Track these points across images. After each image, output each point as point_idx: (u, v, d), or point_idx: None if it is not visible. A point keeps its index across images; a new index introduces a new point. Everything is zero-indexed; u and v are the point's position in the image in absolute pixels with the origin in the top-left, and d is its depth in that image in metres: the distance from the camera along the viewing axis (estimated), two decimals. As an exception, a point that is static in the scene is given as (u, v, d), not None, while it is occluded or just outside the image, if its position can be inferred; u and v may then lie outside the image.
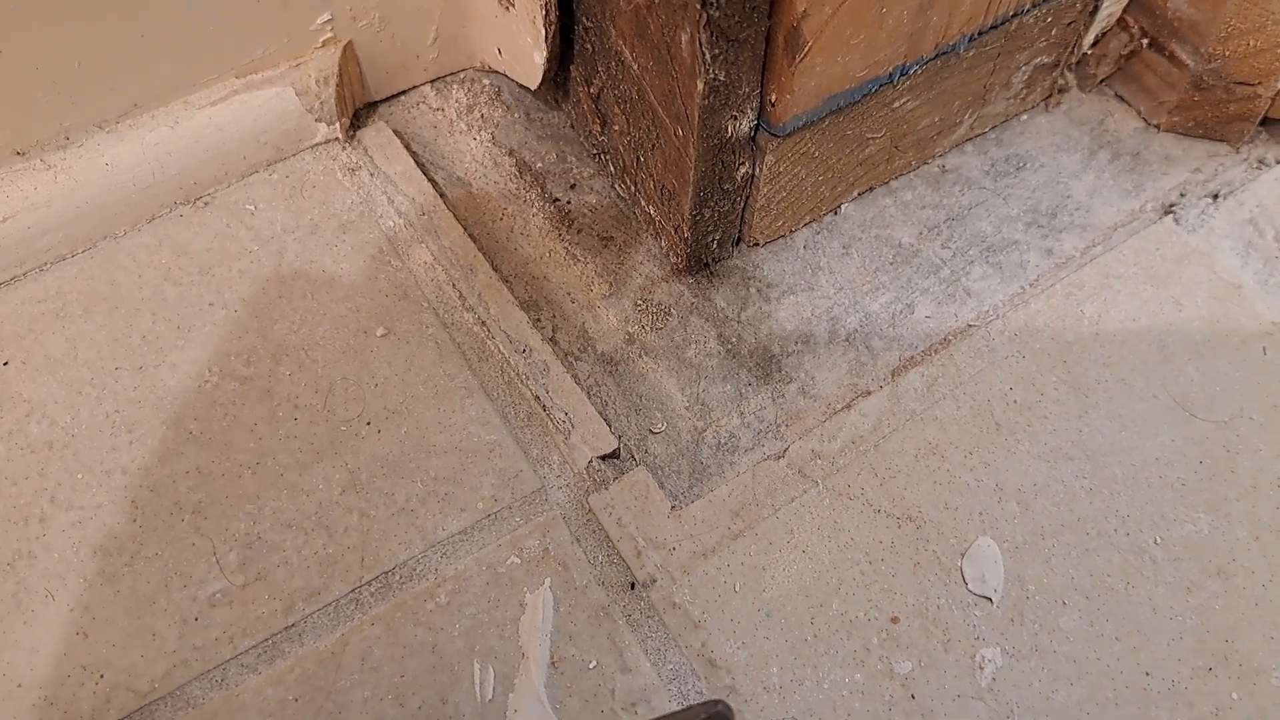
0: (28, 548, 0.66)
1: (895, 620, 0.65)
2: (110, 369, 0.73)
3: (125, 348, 0.74)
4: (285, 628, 0.64)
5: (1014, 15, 0.73)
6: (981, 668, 0.63)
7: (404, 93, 0.88)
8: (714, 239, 0.76)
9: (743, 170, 0.71)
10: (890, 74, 0.70)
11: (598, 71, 0.75)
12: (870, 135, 0.75)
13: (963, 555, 0.67)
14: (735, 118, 0.66)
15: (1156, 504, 0.68)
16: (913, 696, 0.62)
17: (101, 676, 0.62)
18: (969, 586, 0.66)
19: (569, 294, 0.78)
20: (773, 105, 0.67)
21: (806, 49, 0.63)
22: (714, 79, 0.62)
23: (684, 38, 0.61)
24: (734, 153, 0.69)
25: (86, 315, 0.75)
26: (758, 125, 0.69)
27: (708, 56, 0.61)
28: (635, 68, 0.69)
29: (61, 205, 0.75)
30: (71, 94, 0.73)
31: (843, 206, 0.81)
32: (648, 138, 0.72)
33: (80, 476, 0.69)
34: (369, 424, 0.71)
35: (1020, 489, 0.69)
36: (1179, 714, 0.62)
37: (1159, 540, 0.67)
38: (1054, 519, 0.68)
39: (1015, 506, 0.68)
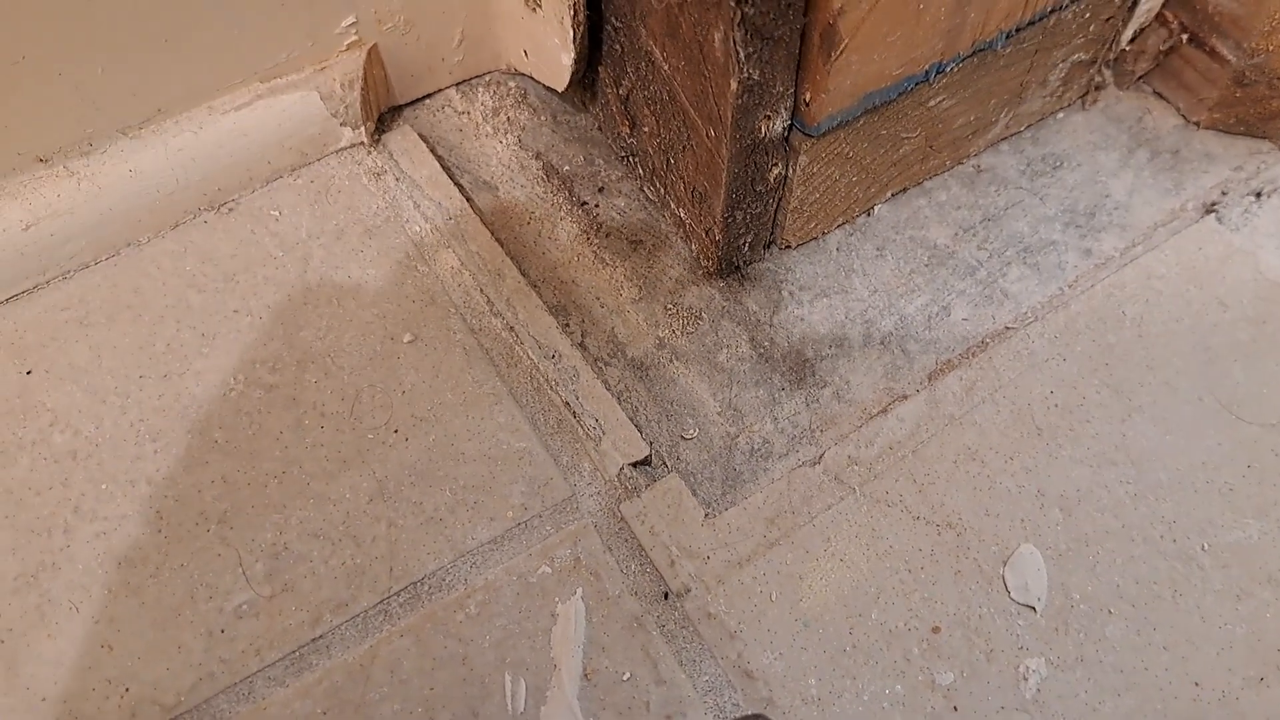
0: (51, 559, 0.65)
1: (936, 630, 0.63)
2: (135, 377, 0.72)
3: (149, 356, 0.73)
4: (313, 639, 0.63)
5: (1052, 11, 0.71)
6: (1026, 678, 0.61)
7: (429, 96, 0.87)
8: (746, 241, 0.75)
9: (775, 171, 0.70)
10: (926, 72, 0.69)
11: (627, 72, 0.73)
12: (905, 135, 0.74)
13: (1005, 563, 0.65)
14: (769, 118, 0.65)
15: (1204, 510, 0.66)
16: (955, 708, 0.61)
17: (126, 690, 0.61)
18: (1012, 595, 0.64)
19: (598, 298, 0.77)
20: (807, 105, 0.66)
21: (843, 47, 0.62)
22: (748, 78, 0.61)
23: (717, 36, 0.60)
24: (767, 153, 0.68)
25: (110, 323, 0.74)
26: (791, 125, 0.67)
27: (741, 55, 0.59)
28: (666, 68, 0.67)
29: (85, 212, 0.74)
30: (95, 100, 0.72)
31: (876, 208, 0.80)
32: (678, 139, 0.71)
33: (104, 486, 0.68)
34: (396, 432, 0.70)
35: (1063, 495, 0.67)
36: (1231, 726, 0.60)
37: (1207, 547, 0.65)
38: (1098, 525, 0.66)
39: (1058, 513, 0.66)
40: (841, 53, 0.62)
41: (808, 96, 0.65)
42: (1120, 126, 0.84)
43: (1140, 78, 0.85)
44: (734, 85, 0.61)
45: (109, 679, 0.62)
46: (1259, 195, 0.79)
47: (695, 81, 0.65)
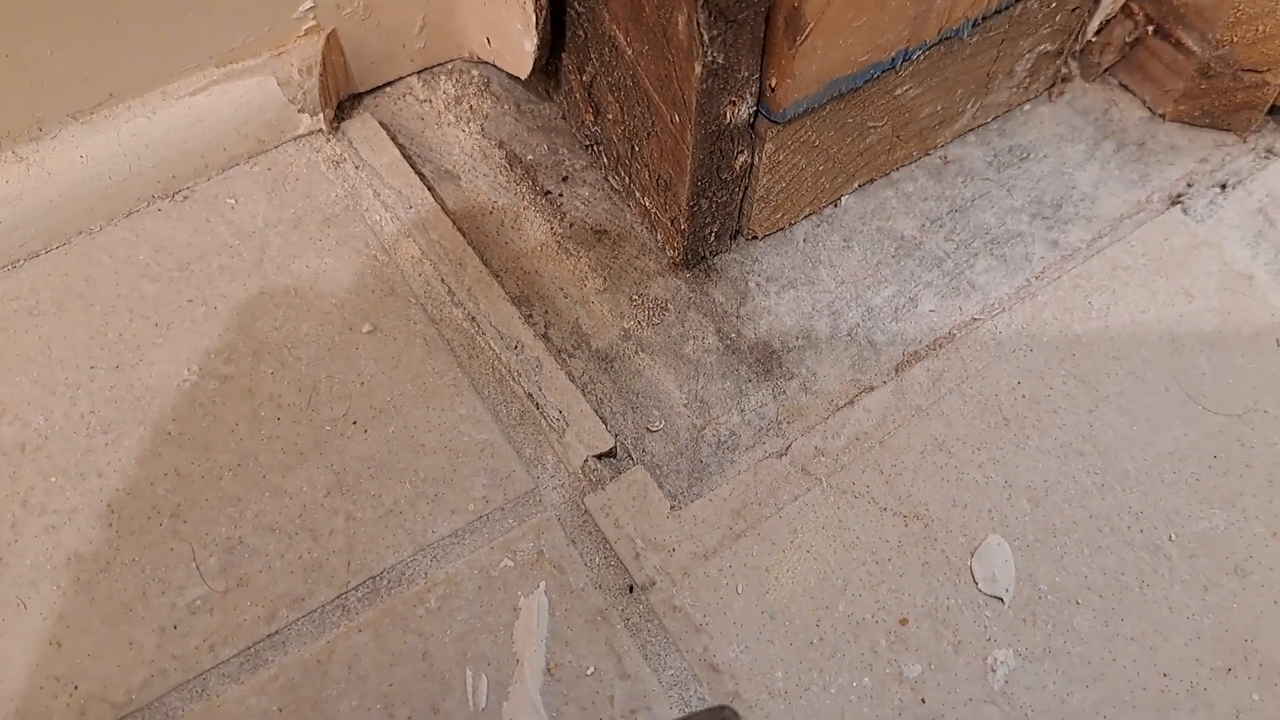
0: (-2, 554, 0.64)
1: (904, 622, 0.62)
2: (85, 368, 0.70)
3: (101, 346, 0.71)
4: (268, 635, 0.61)
5: (1018, 0, 0.71)
6: (994, 670, 0.61)
7: (390, 84, 0.85)
8: (711, 231, 0.74)
9: (741, 159, 0.69)
10: (893, 59, 0.68)
11: (590, 59, 0.72)
12: (872, 124, 0.73)
13: (972, 554, 0.64)
14: (734, 103, 0.64)
15: (1170, 500, 0.66)
16: (923, 700, 0.60)
17: (76, 688, 0.60)
18: (979, 586, 0.63)
19: (562, 289, 0.75)
20: (772, 90, 0.65)
21: (808, 31, 0.61)
22: (712, 62, 0.60)
23: (680, 19, 0.59)
24: (732, 140, 0.67)
25: (61, 313, 0.72)
26: (757, 111, 0.66)
27: (705, 38, 0.58)
28: (630, 53, 0.66)
29: (34, 199, 0.72)
30: (44, 83, 0.70)
31: (843, 198, 0.79)
32: (643, 126, 0.70)
33: (54, 480, 0.66)
34: (355, 423, 0.68)
35: (1030, 485, 0.67)
36: (1198, 716, 0.60)
37: (1174, 537, 0.65)
38: (1065, 516, 0.65)
39: (1025, 504, 0.66)
40: (806, 37, 0.61)
41: (773, 82, 0.64)
42: (1086, 119, 0.83)
43: (1106, 70, 0.85)
44: (698, 69, 0.60)
45: (57, 677, 0.60)
46: (1224, 187, 0.79)
47: (659, 66, 0.64)
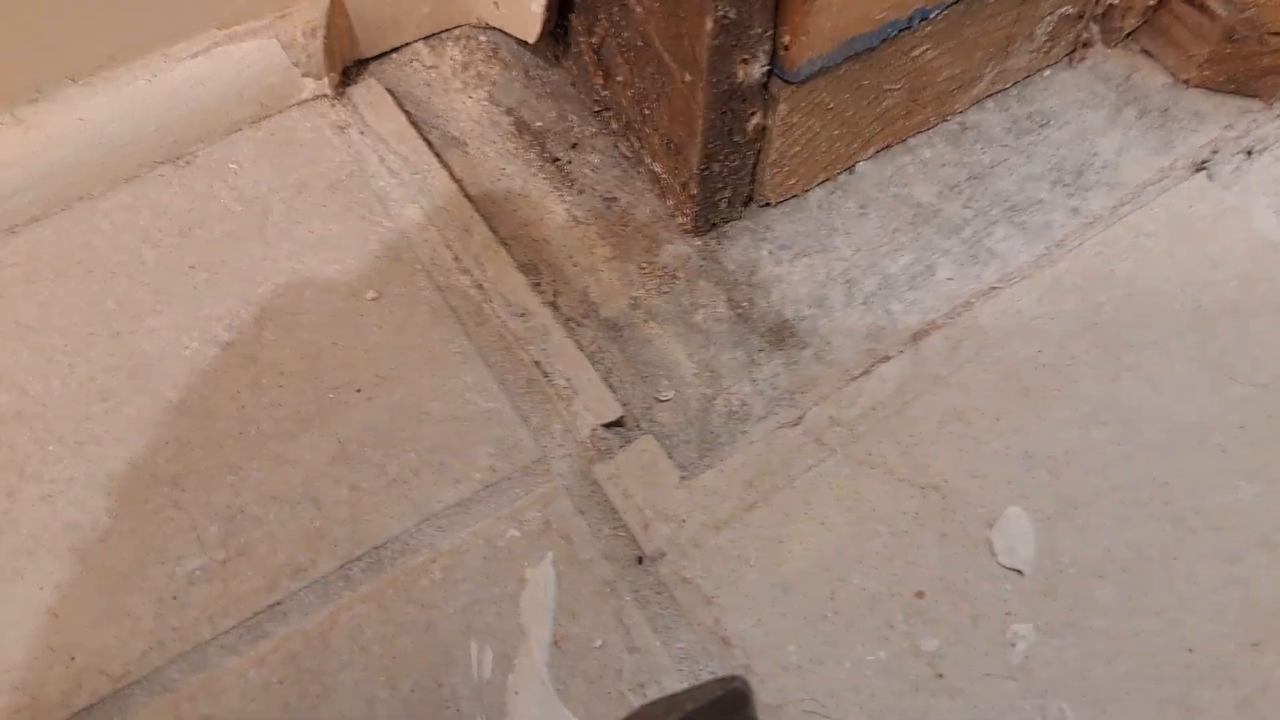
0: (-5, 522, 0.62)
1: (920, 595, 0.61)
2: (84, 335, 0.69)
3: (100, 313, 0.70)
4: (269, 606, 0.60)
5: (1040, -43, 0.69)
6: (1013, 644, 0.59)
7: (396, 50, 0.83)
8: (723, 197, 0.72)
9: (754, 120, 0.67)
10: (911, 17, 0.66)
11: (599, 19, 0.70)
12: (889, 86, 0.71)
13: (991, 526, 0.63)
14: (746, 61, 0.62)
15: (1195, 471, 0.64)
16: (940, 675, 0.58)
17: (72, 659, 0.58)
18: (998, 559, 0.62)
19: (570, 257, 0.74)
20: (786, 49, 0.63)
21: (823, -15, 0.59)
22: (724, 16, 0.58)
23: (693, -28, 0.57)
24: (745, 100, 0.65)
25: (59, 279, 0.71)
26: (770, 71, 0.65)
27: (718, -9, 0.57)
28: (640, 10, 0.65)
29: (33, 164, 0.71)
30: (42, 44, 0.69)
31: (859, 164, 0.77)
32: (653, 88, 0.68)
33: (51, 448, 0.65)
34: (359, 391, 0.67)
35: (1051, 456, 0.65)
36: (1224, 691, 0.58)
37: (1199, 509, 0.63)
38: (1087, 487, 0.64)
39: (1046, 474, 0.64)
40: (823, -8, 0.59)
41: (787, 39, 0.62)
42: (1108, 84, 0.81)
43: (1128, 35, 0.82)
44: (710, 24, 0.58)
45: (54, 648, 0.59)
46: (1250, 153, 0.77)
47: (670, 24, 0.62)
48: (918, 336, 0.70)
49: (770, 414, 0.68)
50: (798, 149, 0.71)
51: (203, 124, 0.75)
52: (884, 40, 0.67)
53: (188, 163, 0.76)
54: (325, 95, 0.79)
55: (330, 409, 0.66)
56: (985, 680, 0.58)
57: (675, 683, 0.58)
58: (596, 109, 0.79)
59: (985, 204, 0.76)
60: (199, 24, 0.73)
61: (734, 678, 0.44)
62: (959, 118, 0.79)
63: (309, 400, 0.66)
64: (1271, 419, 0.66)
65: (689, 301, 0.72)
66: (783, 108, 0.66)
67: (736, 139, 0.67)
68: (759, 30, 0.61)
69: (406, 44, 0.84)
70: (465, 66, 0.83)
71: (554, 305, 0.71)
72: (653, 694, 0.58)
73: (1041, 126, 0.79)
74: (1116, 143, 0.78)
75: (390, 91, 0.80)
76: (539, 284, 0.72)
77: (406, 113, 0.79)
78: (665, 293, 0.72)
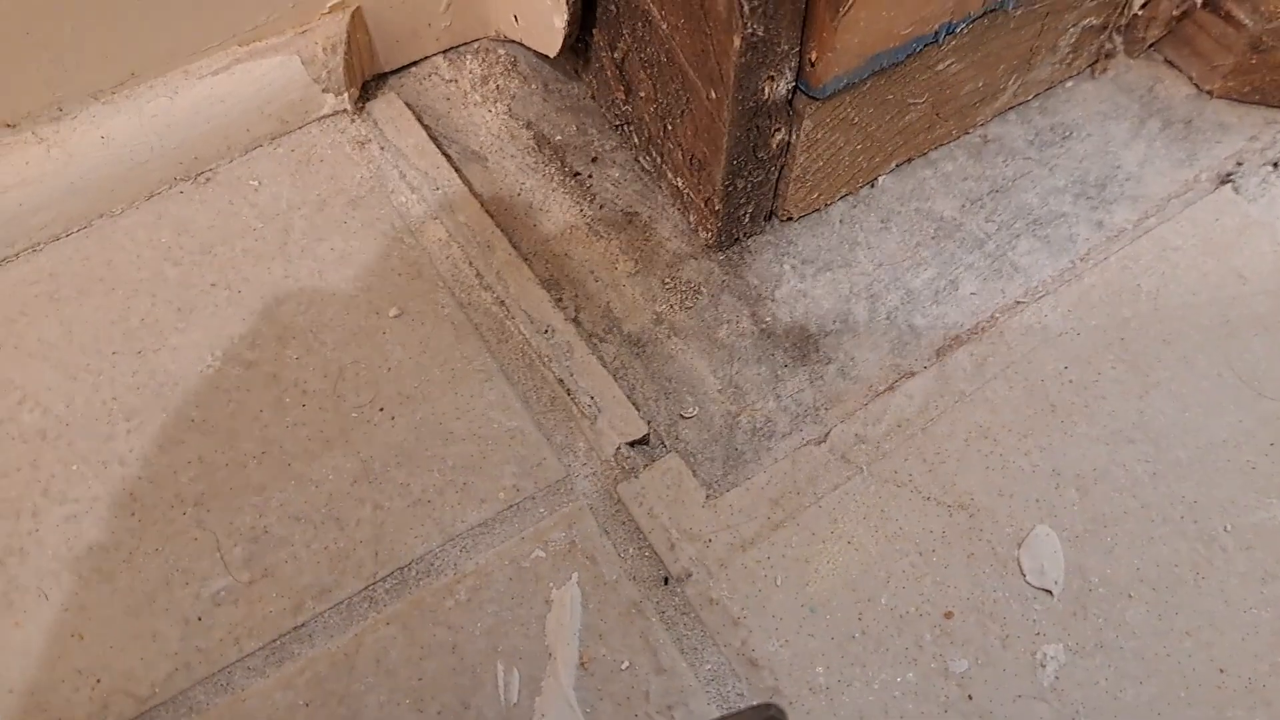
0: (19, 544, 0.62)
1: (949, 615, 0.60)
2: (107, 354, 0.68)
3: (123, 331, 0.69)
4: (294, 628, 0.60)
5: (1065, -30, 0.69)
6: (1043, 665, 0.59)
7: (415, 64, 0.83)
8: (746, 212, 0.72)
9: (779, 137, 0.67)
10: (936, 32, 0.66)
11: (622, 34, 0.70)
12: (912, 100, 0.71)
13: (1020, 545, 0.62)
14: (773, 78, 0.62)
15: (1225, 489, 0.64)
16: (970, 697, 0.58)
17: (98, 681, 0.58)
18: (1027, 578, 0.61)
19: (592, 272, 0.73)
20: (812, 65, 0.63)
21: (851, 3, 0.59)
22: (751, 34, 0.58)
23: (719, -10, 0.57)
24: (770, 117, 0.65)
25: (82, 297, 0.71)
26: (795, 87, 0.64)
27: (745, 9, 0.56)
28: (664, 27, 0.64)
29: (55, 181, 0.71)
30: (64, 62, 0.68)
31: (880, 178, 0.77)
32: (676, 103, 0.68)
33: (75, 468, 0.65)
34: (382, 410, 0.67)
35: (1079, 474, 0.64)
36: (1257, 713, 0.57)
37: (1229, 528, 0.63)
38: (1116, 506, 0.63)
39: (1074, 493, 0.64)
40: (849, 9, 0.59)
41: (813, 56, 0.62)
42: (1131, 96, 0.81)
43: (1151, 45, 0.82)
44: (737, 42, 0.58)
45: (80, 669, 0.59)
46: (1276, 165, 0.76)
47: (695, 40, 0.61)
48: (942, 352, 0.70)
49: (795, 430, 0.67)
50: (821, 164, 0.70)
51: (224, 141, 0.75)
52: (909, 55, 0.66)
53: (209, 179, 0.75)
54: (345, 110, 0.78)
55: (353, 428, 0.66)
56: (1016, 702, 0.58)
57: (703, 704, 0.58)
58: (617, 123, 0.78)
59: (1008, 217, 0.75)
60: (220, 41, 0.73)
61: (770, 705, 0.44)
62: (981, 130, 0.79)
63: (332, 419, 0.66)
64: (1301, 435, 0.65)
65: (712, 317, 0.72)
66: (807, 123, 0.66)
67: (761, 155, 0.67)
68: (786, 48, 0.60)
69: (425, 58, 0.83)
70: (484, 80, 0.83)
71: (576, 321, 0.71)
72: (680, 716, 0.57)
73: (1064, 139, 0.79)
74: (1140, 155, 0.78)
75: (410, 106, 0.80)
76: (561, 300, 0.72)
77: (426, 127, 0.79)
78: (688, 308, 0.72)
